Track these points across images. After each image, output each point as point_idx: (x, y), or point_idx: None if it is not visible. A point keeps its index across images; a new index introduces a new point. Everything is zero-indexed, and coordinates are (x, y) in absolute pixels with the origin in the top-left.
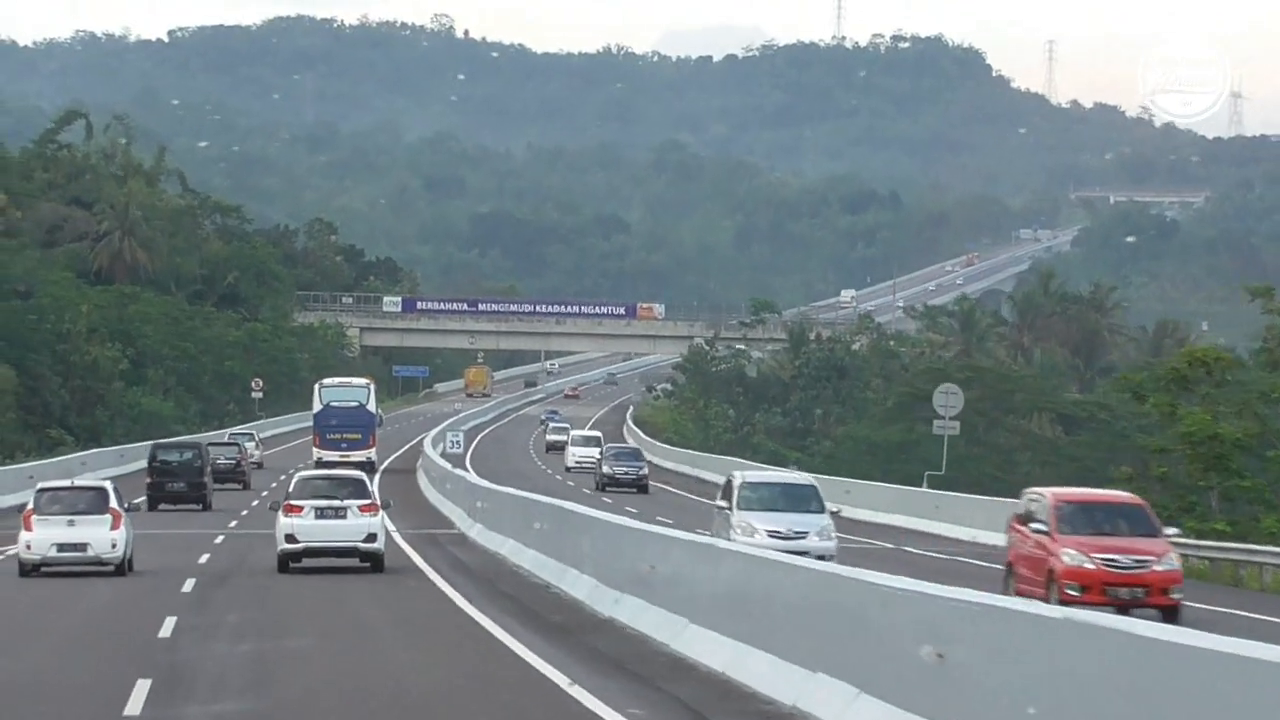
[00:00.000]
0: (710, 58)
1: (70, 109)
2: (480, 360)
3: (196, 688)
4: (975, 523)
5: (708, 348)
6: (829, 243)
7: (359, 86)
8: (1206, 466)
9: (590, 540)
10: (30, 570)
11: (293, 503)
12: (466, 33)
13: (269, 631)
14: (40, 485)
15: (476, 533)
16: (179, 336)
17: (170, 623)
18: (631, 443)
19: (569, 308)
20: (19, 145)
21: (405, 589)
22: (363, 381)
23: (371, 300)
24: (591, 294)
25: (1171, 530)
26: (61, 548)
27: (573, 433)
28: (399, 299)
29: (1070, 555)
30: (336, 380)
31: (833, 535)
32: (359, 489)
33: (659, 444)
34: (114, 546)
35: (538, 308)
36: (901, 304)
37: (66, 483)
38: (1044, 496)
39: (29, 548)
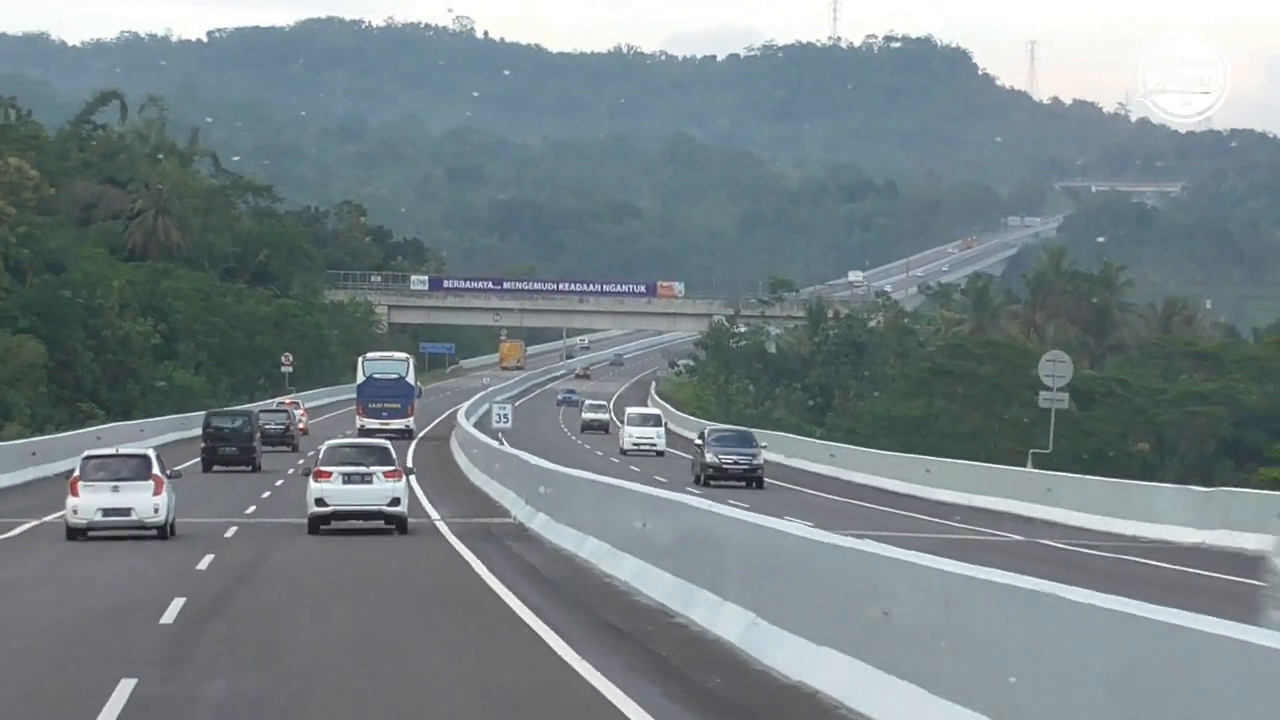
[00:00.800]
0: (714, 57)
1: (105, 91)
2: (504, 337)
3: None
4: (1101, 509)
5: (729, 324)
6: (829, 229)
7: (386, 83)
8: None
9: (741, 555)
10: (76, 534)
11: (322, 469)
12: (486, 33)
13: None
14: (86, 453)
15: (539, 525)
16: (210, 312)
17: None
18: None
19: (591, 286)
20: (56, 127)
21: (480, 622)
22: (402, 356)
23: (399, 279)
24: (606, 275)
25: None
26: (106, 512)
27: (629, 410)
28: (426, 278)
29: None
30: (378, 354)
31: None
32: (383, 456)
33: (689, 417)
34: (156, 511)
35: (560, 286)
36: (917, 283)
37: (111, 450)
38: None
39: (75, 512)
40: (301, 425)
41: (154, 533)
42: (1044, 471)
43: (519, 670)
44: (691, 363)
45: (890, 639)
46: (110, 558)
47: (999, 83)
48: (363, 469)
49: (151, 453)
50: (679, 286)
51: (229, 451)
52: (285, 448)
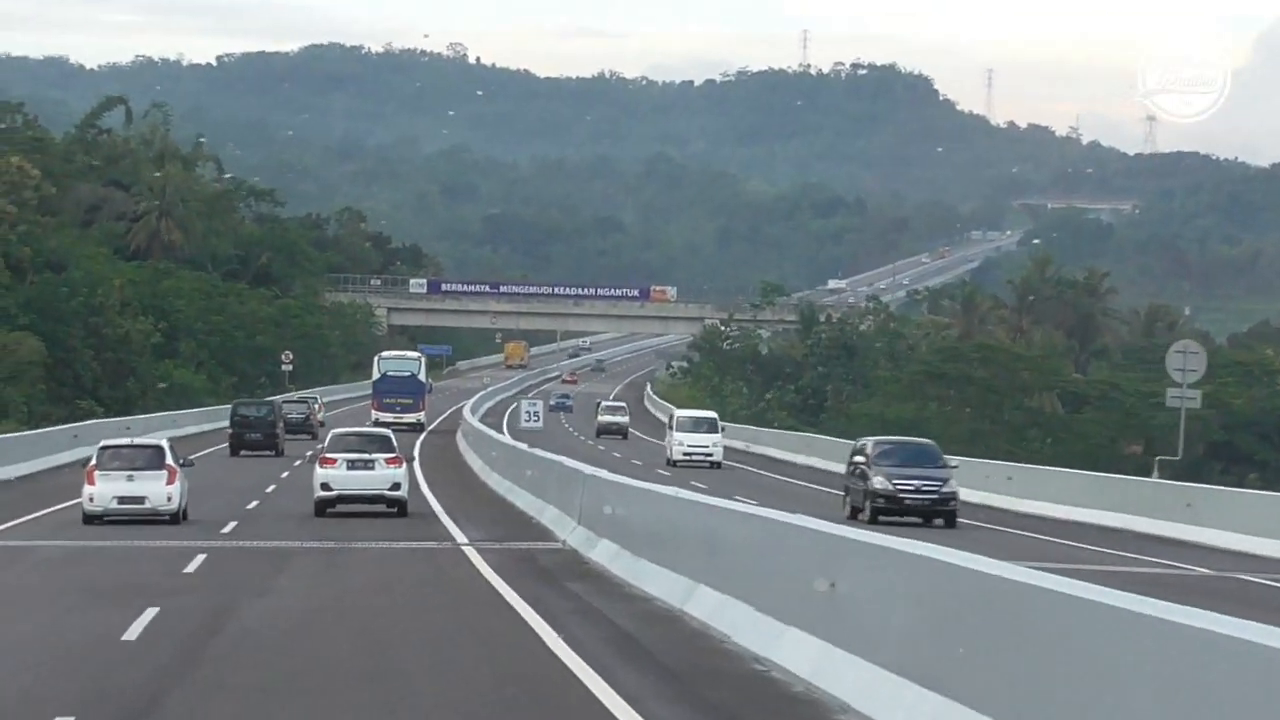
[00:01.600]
0: (691, 82)
1: (110, 96)
2: (500, 339)
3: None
4: (1263, 529)
5: (723, 328)
6: (801, 243)
7: (383, 105)
8: None
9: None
10: (92, 520)
11: (327, 455)
12: (478, 60)
13: None
14: (102, 443)
15: (605, 557)
16: (212, 311)
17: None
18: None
19: (585, 290)
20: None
21: None
22: (415, 354)
23: (399, 282)
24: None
25: None
26: (121, 500)
27: (678, 414)
28: (424, 281)
29: None
30: (393, 353)
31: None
32: (385, 444)
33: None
34: (169, 500)
35: (556, 290)
36: (905, 289)
37: (126, 441)
38: None
39: (91, 500)
40: (319, 417)
41: (166, 519)
42: (1178, 483)
43: None
44: (685, 364)
45: None
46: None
47: (958, 108)
48: (365, 456)
49: (165, 443)
50: (672, 291)
51: (254, 437)
52: (305, 436)
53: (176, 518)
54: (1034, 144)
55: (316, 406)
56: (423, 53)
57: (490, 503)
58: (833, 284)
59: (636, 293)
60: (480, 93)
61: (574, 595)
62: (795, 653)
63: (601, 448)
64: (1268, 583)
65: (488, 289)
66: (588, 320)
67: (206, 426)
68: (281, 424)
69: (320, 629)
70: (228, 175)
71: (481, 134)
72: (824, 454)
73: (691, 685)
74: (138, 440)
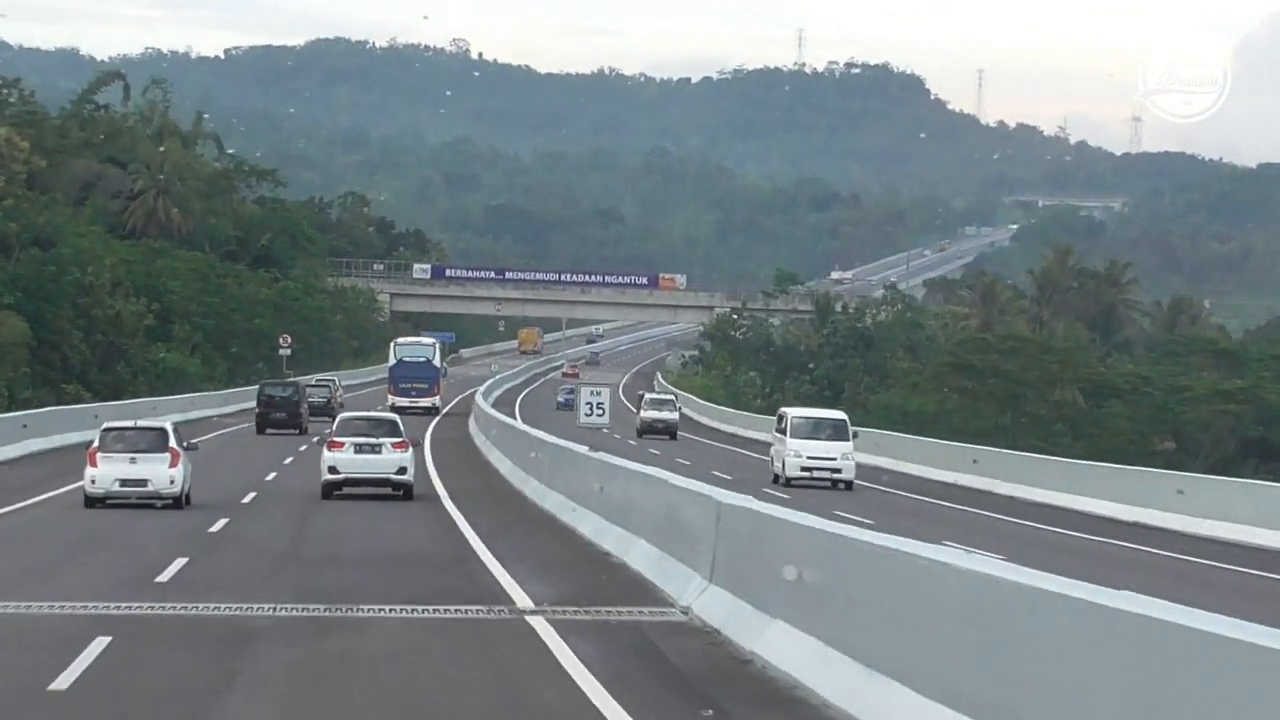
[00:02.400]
0: (689, 79)
1: (107, 71)
2: (502, 328)
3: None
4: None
5: (736, 316)
6: (798, 236)
7: (388, 98)
8: None
9: None
10: (94, 503)
11: (335, 439)
12: (480, 55)
13: None
14: (105, 425)
15: (792, 655)
16: (208, 293)
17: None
18: None
19: (593, 277)
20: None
21: None
22: (430, 340)
23: (402, 268)
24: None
25: None
26: (124, 483)
27: (792, 414)
28: (428, 266)
29: None
30: (409, 339)
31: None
32: (392, 429)
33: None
34: (172, 482)
35: (562, 277)
36: (919, 277)
37: (130, 423)
38: None
39: (94, 482)
40: (339, 399)
41: (170, 502)
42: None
43: None
44: (697, 353)
45: None
46: None
47: (950, 107)
48: (373, 440)
49: (169, 426)
50: (681, 279)
51: (279, 416)
52: (326, 417)
53: (179, 501)
54: (1023, 143)
55: (336, 389)
56: (426, 47)
57: (539, 526)
58: (835, 274)
59: (645, 280)
60: (481, 88)
61: None
62: None
63: (655, 450)
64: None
65: (493, 275)
66: (595, 308)
67: (194, 414)
68: (306, 404)
69: None
70: (229, 152)
71: (484, 127)
72: (918, 457)
73: None
74: (141, 423)
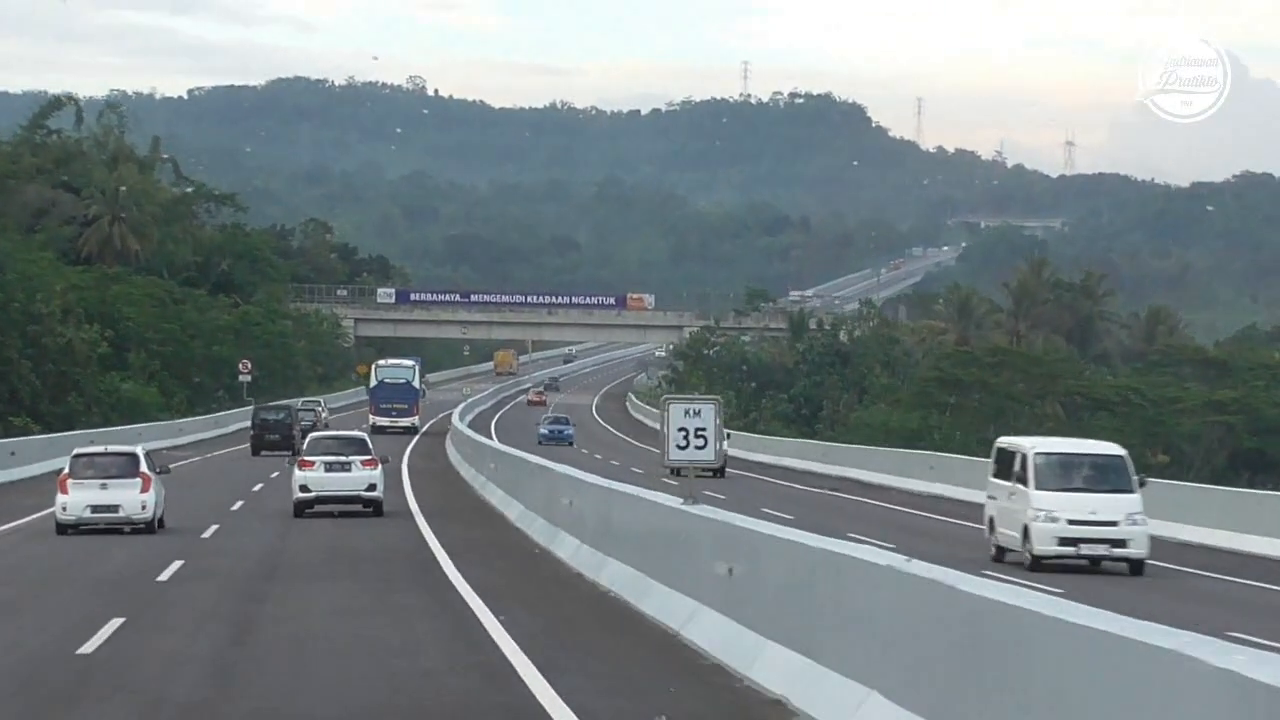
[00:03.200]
0: (639, 111)
1: (57, 95)
2: (467, 352)
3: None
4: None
5: (709, 335)
6: (750, 259)
7: (347, 134)
8: None
9: None
10: (66, 529)
11: (306, 458)
12: (436, 91)
13: None
14: (76, 451)
15: None
16: (165, 319)
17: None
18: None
19: (560, 299)
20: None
21: None
22: (409, 362)
23: (366, 292)
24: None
25: None
26: (95, 509)
27: (1033, 452)
28: (393, 290)
29: None
30: (390, 361)
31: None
32: (361, 447)
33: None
34: (144, 508)
35: (529, 299)
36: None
37: (100, 449)
38: None
39: (64, 509)
40: (324, 420)
41: (141, 527)
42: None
43: None
44: (669, 373)
45: None
46: None
47: (890, 134)
48: (342, 458)
49: (140, 451)
50: (649, 298)
51: (273, 438)
52: None
53: (151, 526)
54: (962, 167)
55: (322, 411)
56: (384, 85)
57: (560, 584)
58: (794, 294)
59: (613, 301)
60: (437, 123)
61: None
62: None
63: (708, 491)
64: None
65: (458, 298)
66: (562, 329)
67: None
68: (298, 427)
69: None
70: (186, 177)
71: (441, 160)
72: (952, 477)
73: None
74: (112, 448)
